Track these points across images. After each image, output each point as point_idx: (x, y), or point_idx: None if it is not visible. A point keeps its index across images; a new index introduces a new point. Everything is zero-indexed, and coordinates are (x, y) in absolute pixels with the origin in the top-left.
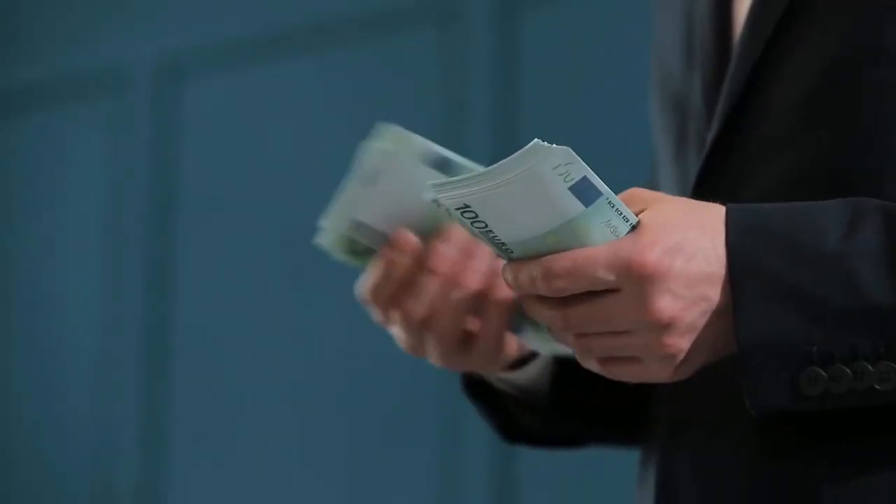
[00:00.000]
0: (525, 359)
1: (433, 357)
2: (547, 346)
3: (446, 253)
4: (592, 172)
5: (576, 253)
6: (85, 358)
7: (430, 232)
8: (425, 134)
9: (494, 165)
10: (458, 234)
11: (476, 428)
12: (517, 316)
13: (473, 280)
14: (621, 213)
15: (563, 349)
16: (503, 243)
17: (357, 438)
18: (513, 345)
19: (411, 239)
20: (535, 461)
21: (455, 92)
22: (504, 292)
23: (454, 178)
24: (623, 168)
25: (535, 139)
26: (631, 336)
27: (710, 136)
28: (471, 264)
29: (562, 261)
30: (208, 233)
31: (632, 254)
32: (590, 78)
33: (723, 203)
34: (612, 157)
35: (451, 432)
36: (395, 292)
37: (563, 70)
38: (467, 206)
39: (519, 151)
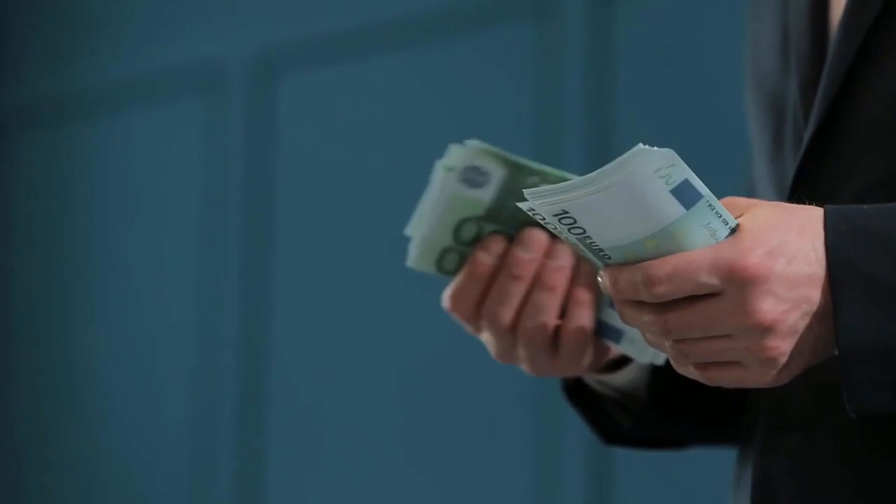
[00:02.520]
0: (623, 360)
1: (523, 363)
2: (640, 352)
3: (527, 257)
4: (693, 174)
5: (677, 258)
6: (182, 358)
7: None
8: (521, 128)
9: (595, 171)
10: (538, 237)
11: (572, 426)
12: (608, 323)
13: (556, 281)
14: (721, 216)
15: (657, 355)
16: (600, 249)
17: (454, 436)
18: (605, 347)
19: (498, 241)
20: (630, 458)
21: (550, 85)
22: (587, 293)
23: (551, 186)
24: (716, 163)
25: (639, 143)
26: (732, 340)
27: (806, 136)
28: (552, 266)
29: (663, 266)
30: (305, 229)
31: (734, 257)
32: (684, 72)
33: (820, 202)
34: (705, 150)
35: (549, 431)
36: (480, 297)
37: (657, 64)
38: (565, 213)
39: (622, 156)
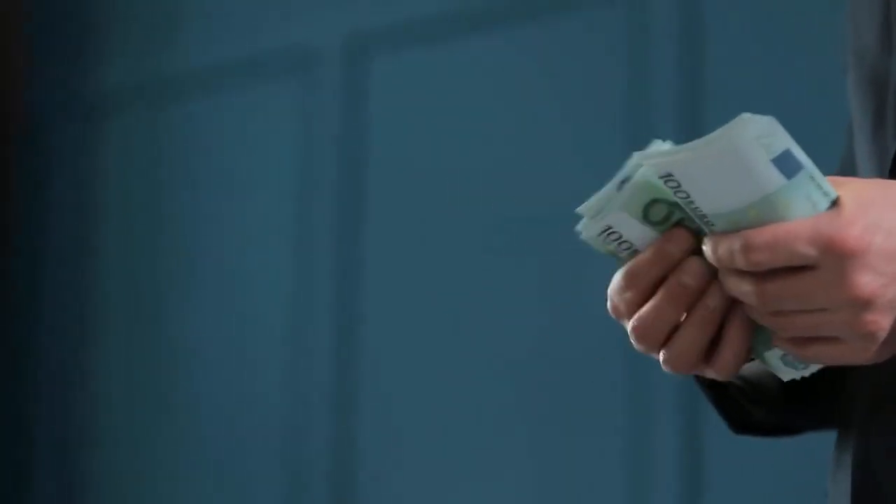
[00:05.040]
0: None
1: (668, 361)
2: (784, 371)
3: (698, 267)
4: (796, 144)
5: (776, 227)
6: (276, 337)
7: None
8: (610, 110)
9: (701, 138)
10: (699, 266)
11: (664, 419)
12: (755, 340)
13: (720, 299)
14: (821, 188)
15: (801, 372)
16: (704, 215)
17: (546, 429)
18: None
19: (687, 235)
20: (722, 449)
21: (641, 69)
22: (747, 315)
23: (662, 150)
24: (811, 139)
25: (743, 113)
26: (829, 314)
27: None
28: (717, 281)
29: (762, 234)
30: (398, 211)
31: (833, 230)
32: (777, 53)
33: None
34: (800, 127)
35: (641, 424)
36: (657, 281)
37: (748, 46)
38: (670, 175)
39: (726, 124)
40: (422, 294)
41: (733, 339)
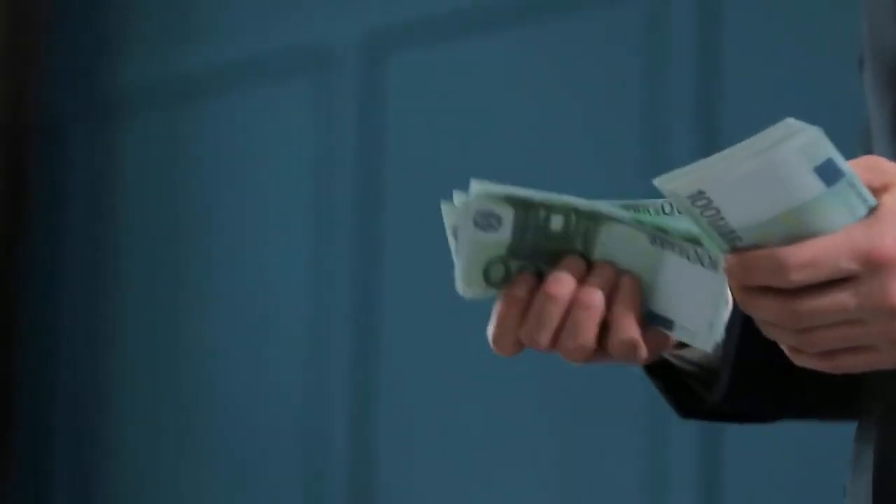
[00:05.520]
0: None
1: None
2: (692, 337)
3: (562, 277)
4: (838, 153)
5: (814, 244)
6: (295, 337)
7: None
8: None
9: (737, 146)
10: (572, 260)
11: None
12: (657, 313)
13: (593, 300)
14: (860, 195)
15: (707, 342)
16: (732, 230)
17: (566, 429)
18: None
19: (528, 278)
20: (741, 442)
21: (658, 67)
22: (630, 304)
23: (685, 168)
24: (834, 141)
25: (789, 118)
26: (865, 325)
27: None
28: (589, 284)
29: (801, 252)
30: (417, 210)
31: (871, 242)
32: (795, 51)
33: None
34: (818, 125)
35: (661, 423)
36: (519, 327)
37: (766, 43)
38: (701, 193)
39: (767, 130)
40: (441, 292)
41: (620, 325)
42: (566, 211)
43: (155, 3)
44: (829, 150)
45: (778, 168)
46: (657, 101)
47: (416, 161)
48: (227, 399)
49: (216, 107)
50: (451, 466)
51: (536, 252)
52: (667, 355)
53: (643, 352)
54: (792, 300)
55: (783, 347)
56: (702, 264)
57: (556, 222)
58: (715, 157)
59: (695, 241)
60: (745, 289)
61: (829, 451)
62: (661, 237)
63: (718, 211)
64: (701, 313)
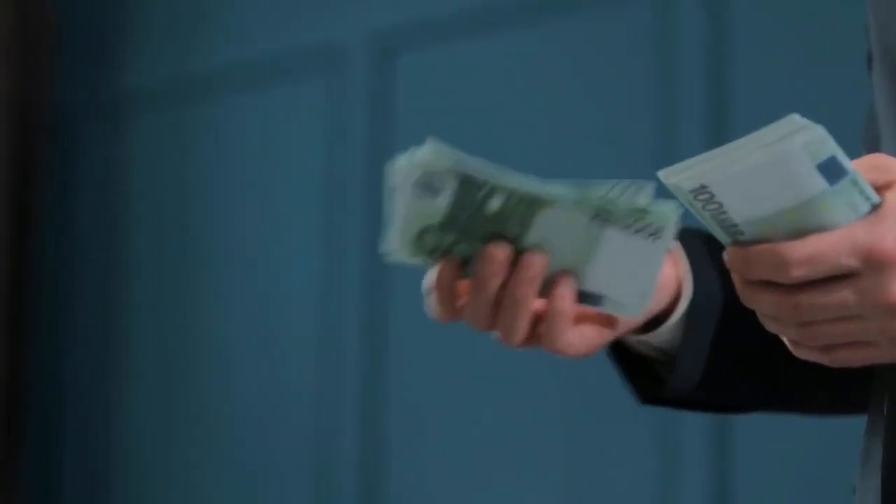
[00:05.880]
0: (660, 319)
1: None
2: (621, 309)
3: (489, 270)
4: (841, 151)
5: (815, 240)
6: (304, 338)
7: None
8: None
9: (740, 140)
10: (496, 251)
11: (695, 414)
12: (588, 291)
13: (523, 294)
14: (863, 192)
15: (635, 309)
16: (734, 224)
17: (574, 419)
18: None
19: (451, 267)
20: (752, 439)
21: (668, 64)
22: (565, 293)
23: (689, 160)
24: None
25: (793, 114)
26: (864, 321)
27: None
28: (516, 278)
29: (802, 248)
30: None
31: (873, 240)
32: (803, 49)
33: None
34: (828, 129)
35: (672, 420)
36: (455, 311)
37: (774, 41)
38: (704, 187)
39: (771, 126)
40: None
41: (551, 333)
42: (507, 193)
43: (165, 2)
44: (832, 148)
45: (781, 163)
46: (666, 99)
47: None
48: (236, 397)
49: (226, 106)
50: (461, 466)
51: (470, 230)
52: (630, 341)
53: (579, 353)
54: (792, 295)
55: (784, 340)
56: (643, 236)
57: (495, 204)
58: (718, 151)
59: (640, 213)
60: (747, 282)
61: (842, 446)
62: (603, 214)
63: (721, 205)
64: (633, 284)
